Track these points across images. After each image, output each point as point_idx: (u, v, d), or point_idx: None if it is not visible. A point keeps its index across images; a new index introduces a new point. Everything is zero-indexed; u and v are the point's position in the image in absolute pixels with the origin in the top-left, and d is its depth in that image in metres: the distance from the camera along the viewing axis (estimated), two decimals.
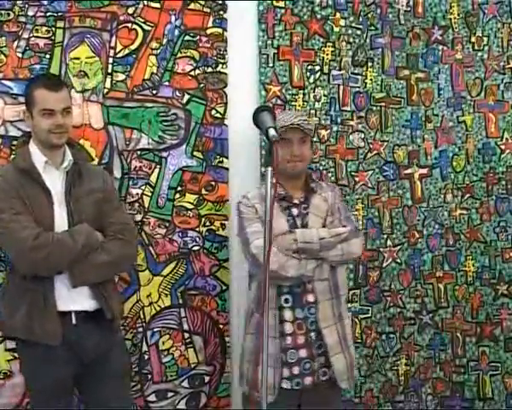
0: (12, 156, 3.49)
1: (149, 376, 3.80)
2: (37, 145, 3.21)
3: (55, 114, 3.14)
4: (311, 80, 4.02)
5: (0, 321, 3.27)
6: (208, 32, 3.87)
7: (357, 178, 4.09)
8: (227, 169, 3.89)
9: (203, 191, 3.87)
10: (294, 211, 3.35)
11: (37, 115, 3.15)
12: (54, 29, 3.64)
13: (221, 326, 3.91)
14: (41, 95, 3.14)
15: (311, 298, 3.28)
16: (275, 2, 3.97)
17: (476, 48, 4.29)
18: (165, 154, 3.80)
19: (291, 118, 3.30)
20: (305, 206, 3.36)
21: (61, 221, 3.16)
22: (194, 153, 3.85)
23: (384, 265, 4.13)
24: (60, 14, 3.65)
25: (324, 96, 4.04)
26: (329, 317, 3.29)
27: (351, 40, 4.09)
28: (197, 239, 3.86)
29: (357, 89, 4.10)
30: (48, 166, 3.20)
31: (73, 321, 3.17)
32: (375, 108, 4.12)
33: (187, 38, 3.84)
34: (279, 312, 3.27)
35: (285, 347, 3.26)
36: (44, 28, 3.63)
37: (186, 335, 3.86)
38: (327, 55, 4.05)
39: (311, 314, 3.27)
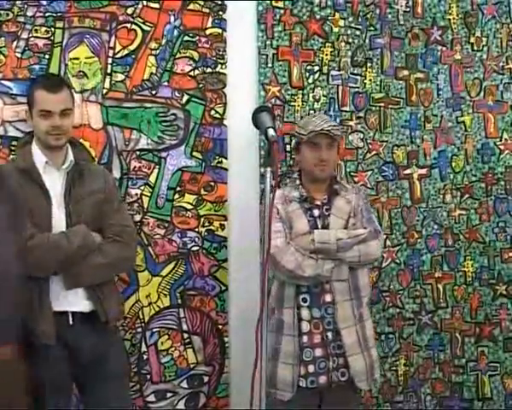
0: (11, 156, 3.47)
1: (148, 376, 3.79)
2: (39, 145, 3.19)
3: (52, 116, 3.12)
4: (311, 80, 4.00)
5: None
6: (207, 32, 3.85)
7: (356, 179, 4.07)
8: (226, 169, 3.87)
9: (202, 192, 3.85)
10: (316, 212, 3.38)
11: (36, 116, 3.14)
12: (53, 29, 3.62)
13: (220, 327, 3.89)
14: (40, 96, 3.13)
15: (328, 298, 3.31)
16: (274, 3, 3.95)
17: (475, 48, 4.27)
18: (164, 154, 3.78)
19: (321, 123, 3.35)
20: (327, 207, 3.40)
21: (59, 222, 3.14)
22: (194, 153, 3.83)
23: (383, 265, 4.12)
24: (59, 14, 3.63)
25: (323, 96, 4.03)
26: (349, 318, 3.32)
27: (350, 40, 4.08)
28: (196, 239, 3.84)
29: (357, 89, 4.09)
30: (48, 167, 3.18)
31: (70, 322, 3.15)
32: (374, 108, 4.11)
33: (186, 38, 3.82)
34: (297, 310, 3.32)
35: (301, 345, 3.31)
36: (43, 28, 3.61)
37: (185, 335, 3.84)
38: (326, 55, 4.03)
39: (328, 314, 3.31)
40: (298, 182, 3.46)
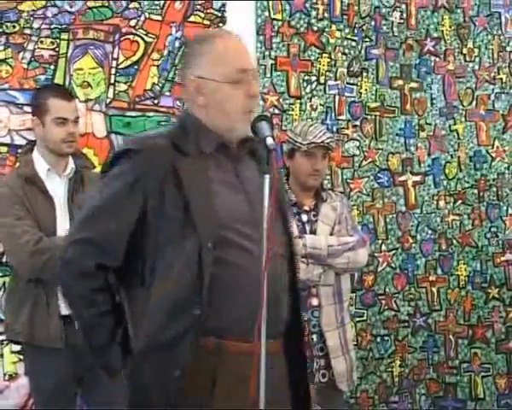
0: (17, 164, 3.48)
1: None
2: (42, 153, 3.20)
3: (67, 123, 3.13)
4: (308, 90, 4.02)
5: (4, 324, 3.26)
6: None
7: (352, 186, 4.08)
8: None
9: None
10: (304, 217, 3.35)
11: (50, 124, 3.14)
12: (58, 41, 3.64)
13: None
14: (56, 103, 3.13)
15: (315, 302, 3.28)
16: (272, 15, 3.96)
17: (467, 59, 4.29)
18: None
19: (320, 135, 3.30)
20: (314, 213, 3.37)
21: (62, 227, 3.14)
22: None
23: (379, 269, 4.12)
24: (64, 26, 3.64)
25: (320, 105, 4.04)
26: (332, 321, 3.29)
27: (346, 51, 4.09)
28: None
29: (353, 98, 4.10)
30: (50, 174, 3.19)
31: (76, 325, 3.15)
32: (369, 117, 4.12)
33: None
34: None
35: None
36: (49, 40, 3.62)
37: None
38: (323, 65, 4.05)
39: (314, 317, 3.28)
40: (286, 187, 3.44)
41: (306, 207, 3.36)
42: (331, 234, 3.32)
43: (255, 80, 2.10)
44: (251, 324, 1.90)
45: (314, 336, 3.27)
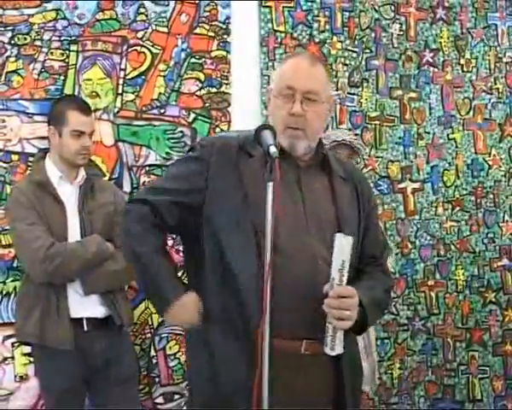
0: (28, 172, 3.49)
1: (157, 379, 3.78)
2: (54, 161, 3.22)
3: (84, 136, 3.16)
4: None
5: (15, 327, 3.27)
6: (213, 54, 3.88)
7: None
8: None
9: None
10: None
11: (67, 135, 3.17)
12: (68, 52, 3.65)
13: None
14: (74, 116, 3.16)
15: None
16: (275, 27, 3.98)
17: (465, 70, 4.30)
18: None
19: (342, 135, 3.33)
20: None
21: (74, 232, 3.16)
22: None
23: None
24: (73, 38, 3.66)
25: None
26: None
27: (347, 62, 4.10)
28: None
29: (353, 108, 4.11)
30: (62, 181, 3.21)
31: (85, 328, 3.17)
32: (369, 126, 4.13)
33: (193, 60, 3.85)
34: None
35: None
36: (59, 51, 3.64)
37: None
38: None
39: None
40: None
41: None
42: None
43: (300, 101, 2.17)
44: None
45: None
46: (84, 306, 3.15)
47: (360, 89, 4.12)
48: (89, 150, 3.23)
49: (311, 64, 2.23)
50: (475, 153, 4.29)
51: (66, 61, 3.65)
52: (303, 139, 2.19)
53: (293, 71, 2.21)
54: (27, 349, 3.44)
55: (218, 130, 3.87)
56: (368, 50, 4.14)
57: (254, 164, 2.16)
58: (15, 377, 3.53)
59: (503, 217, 4.32)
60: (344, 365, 2.15)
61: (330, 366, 2.13)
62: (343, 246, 2.07)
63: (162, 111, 3.79)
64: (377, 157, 4.13)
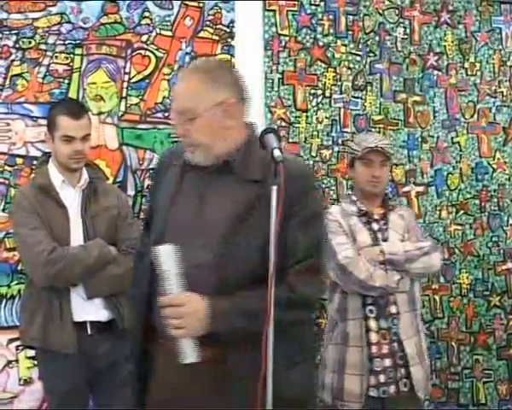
0: (32, 175, 3.49)
1: None
2: (56, 165, 3.21)
3: (74, 141, 3.13)
4: (314, 103, 4.02)
5: (19, 330, 3.27)
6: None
7: None
8: None
9: None
10: (375, 226, 3.32)
11: (58, 140, 3.15)
12: (72, 56, 3.65)
13: None
14: (63, 121, 3.13)
15: (393, 309, 3.22)
16: (280, 31, 3.97)
17: (469, 73, 4.28)
18: None
19: (375, 141, 3.31)
20: (384, 222, 3.34)
21: (76, 236, 3.15)
22: None
23: None
24: (78, 41, 3.66)
25: (326, 118, 4.04)
26: (409, 329, 3.24)
27: (351, 66, 4.09)
28: None
29: (357, 111, 4.10)
30: (65, 185, 3.20)
31: (88, 331, 3.16)
32: (374, 129, 4.11)
33: None
34: (364, 322, 3.20)
35: (370, 355, 3.18)
36: (63, 55, 3.64)
37: None
38: (329, 79, 4.05)
39: (394, 325, 3.21)
40: (354, 198, 3.38)
41: (376, 216, 3.34)
42: (402, 241, 3.29)
43: (181, 122, 2.19)
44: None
45: (395, 345, 3.20)
46: (88, 309, 3.14)
47: (364, 92, 4.11)
48: (82, 154, 3.17)
49: (186, 79, 2.23)
50: (479, 156, 4.28)
51: (71, 64, 3.65)
52: (199, 152, 2.18)
53: (172, 93, 2.24)
54: (31, 353, 3.44)
55: None
56: (372, 54, 4.13)
57: (172, 173, 2.26)
58: (20, 380, 3.53)
59: (508, 220, 4.30)
60: (233, 371, 2.07)
61: (215, 369, 2.08)
62: (164, 256, 2.06)
63: (166, 115, 3.78)
64: None
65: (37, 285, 3.12)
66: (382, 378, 3.17)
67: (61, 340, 3.08)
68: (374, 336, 3.18)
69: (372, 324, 3.19)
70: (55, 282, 3.07)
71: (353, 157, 3.36)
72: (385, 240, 3.27)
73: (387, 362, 3.18)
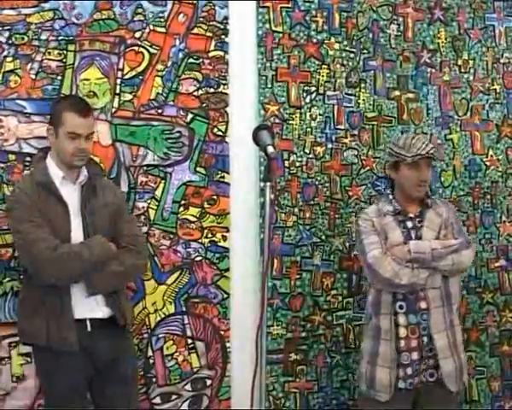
0: (25, 172, 3.48)
1: (154, 379, 3.78)
2: (56, 161, 3.20)
3: (79, 138, 3.13)
4: (308, 100, 4.02)
5: (18, 327, 3.26)
6: (210, 54, 3.87)
7: (350, 193, 4.08)
8: (228, 184, 3.88)
9: (205, 205, 3.85)
10: (409, 224, 3.42)
11: (63, 136, 3.15)
12: (65, 52, 3.63)
13: (222, 333, 3.88)
14: (70, 118, 3.13)
15: (423, 305, 3.35)
16: (273, 27, 3.97)
17: (462, 70, 4.29)
18: (169, 169, 3.79)
19: (425, 147, 3.37)
20: (419, 220, 3.43)
21: (77, 233, 3.15)
22: (197, 168, 3.84)
23: None
24: (71, 38, 3.64)
25: (320, 115, 4.04)
26: (441, 323, 3.35)
27: (344, 63, 4.09)
28: (200, 250, 3.84)
29: (351, 108, 4.10)
30: (64, 181, 3.20)
31: (88, 328, 3.16)
32: (367, 126, 4.12)
33: (190, 60, 3.84)
34: (394, 317, 3.35)
35: (399, 349, 3.33)
36: (56, 51, 3.62)
37: (189, 341, 3.84)
38: (322, 76, 4.05)
39: (423, 320, 3.34)
40: (391, 197, 3.48)
41: (411, 215, 3.43)
42: (437, 239, 3.37)
43: None
44: None
45: (424, 338, 3.34)
46: (88, 306, 3.15)
47: (358, 89, 4.11)
48: (85, 152, 3.19)
49: None
50: (473, 153, 4.29)
51: (64, 60, 3.63)
52: None
53: None
54: (24, 349, 3.44)
55: (215, 130, 3.86)
56: (365, 51, 4.13)
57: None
58: (12, 377, 3.51)
59: (501, 217, 4.31)
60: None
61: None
62: None
63: (160, 111, 3.78)
64: (375, 157, 4.12)
65: (38, 282, 3.11)
66: (410, 371, 3.33)
67: (62, 338, 3.08)
68: (402, 331, 3.34)
69: (401, 319, 3.35)
70: (58, 279, 3.06)
71: (397, 161, 3.43)
72: (419, 238, 3.37)
73: (415, 355, 3.34)
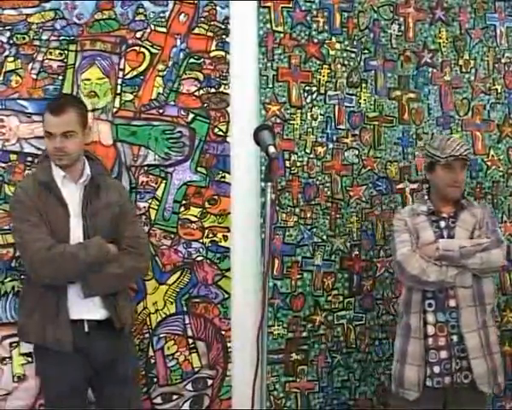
0: (26, 172, 3.49)
1: (155, 379, 3.78)
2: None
3: (54, 138, 3.14)
4: (309, 100, 4.02)
5: (18, 327, 3.27)
6: (211, 54, 3.87)
7: (351, 193, 4.08)
8: (229, 184, 3.88)
9: (206, 205, 3.86)
10: (442, 224, 3.44)
11: (44, 136, 3.18)
12: (66, 52, 3.64)
13: (223, 332, 3.89)
14: (46, 117, 3.18)
15: (452, 303, 3.36)
16: (274, 27, 3.97)
17: (464, 70, 4.29)
18: (170, 169, 3.79)
19: (458, 148, 3.40)
20: (453, 220, 3.45)
21: (76, 234, 3.15)
22: (198, 168, 3.84)
23: (377, 274, 4.11)
24: (72, 38, 3.65)
25: (321, 115, 4.04)
26: (472, 323, 3.35)
27: (346, 62, 4.09)
28: (201, 250, 3.84)
29: (352, 108, 4.10)
30: (66, 181, 3.20)
31: (86, 329, 3.16)
32: (368, 126, 4.12)
33: (191, 60, 3.84)
34: (423, 315, 3.37)
35: (427, 347, 3.35)
36: (57, 51, 3.63)
37: (190, 340, 3.84)
38: (323, 76, 4.05)
39: (452, 318, 3.35)
40: (426, 197, 3.52)
41: (445, 215, 3.46)
42: (470, 238, 3.38)
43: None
44: None
45: (454, 337, 3.34)
46: (85, 307, 3.15)
47: (359, 89, 4.12)
48: (62, 151, 3.15)
49: None
50: (474, 153, 4.28)
51: (65, 60, 3.64)
52: None
53: None
54: (25, 349, 3.44)
55: (216, 130, 3.86)
56: (366, 51, 4.13)
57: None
58: (13, 377, 3.52)
59: (502, 218, 4.31)
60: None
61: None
62: None
63: (161, 111, 3.78)
64: (376, 157, 4.13)
65: (34, 282, 3.11)
66: (437, 369, 3.34)
67: (57, 338, 3.08)
68: (430, 329, 3.36)
69: (430, 317, 3.37)
70: (52, 279, 3.06)
71: (432, 162, 3.46)
72: (451, 237, 3.39)
73: (444, 354, 3.35)
